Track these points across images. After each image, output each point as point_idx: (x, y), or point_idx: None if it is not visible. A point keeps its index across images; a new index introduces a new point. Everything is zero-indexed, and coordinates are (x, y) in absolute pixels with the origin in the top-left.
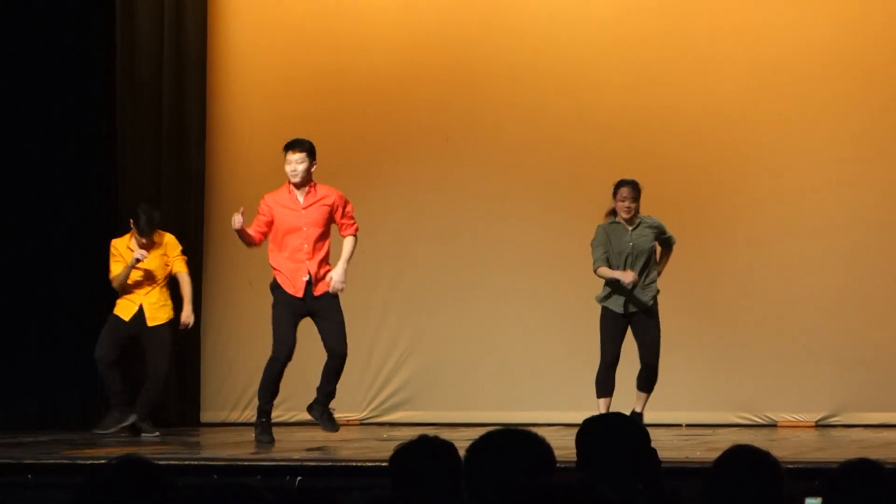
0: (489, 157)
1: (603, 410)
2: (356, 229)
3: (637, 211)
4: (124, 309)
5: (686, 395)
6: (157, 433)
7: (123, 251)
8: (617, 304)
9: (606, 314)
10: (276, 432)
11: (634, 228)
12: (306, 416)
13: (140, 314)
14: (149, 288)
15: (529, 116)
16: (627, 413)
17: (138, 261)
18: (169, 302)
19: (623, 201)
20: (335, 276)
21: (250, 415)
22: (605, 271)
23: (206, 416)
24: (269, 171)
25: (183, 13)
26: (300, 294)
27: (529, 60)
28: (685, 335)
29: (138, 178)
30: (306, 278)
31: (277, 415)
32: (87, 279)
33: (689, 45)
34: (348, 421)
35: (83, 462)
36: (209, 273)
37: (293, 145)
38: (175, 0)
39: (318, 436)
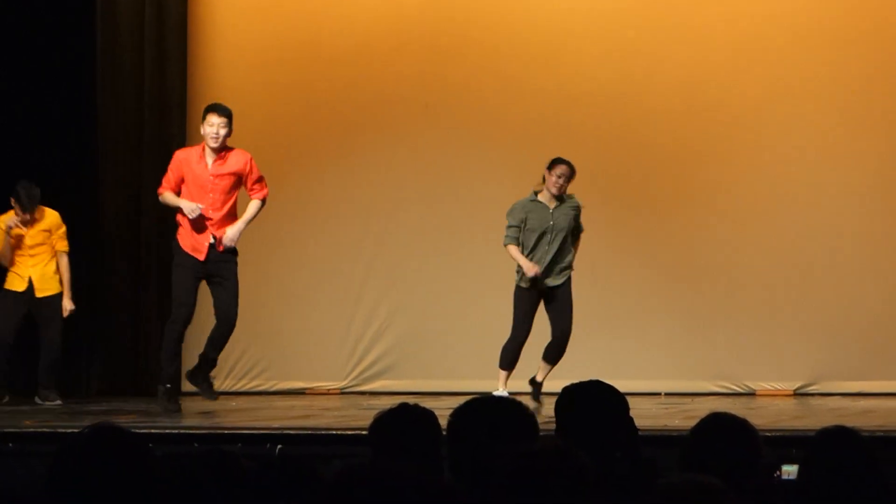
0: (468, 125)
1: (503, 383)
2: (265, 194)
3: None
4: (15, 281)
5: (665, 364)
6: (58, 401)
7: (2, 227)
8: (529, 281)
9: (520, 293)
10: (256, 401)
11: (558, 206)
12: (287, 385)
13: (30, 286)
14: (35, 261)
15: (509, 85)
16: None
17: (11, 228)
18: (57, 276)
19: (560, 178)
20: (229, 232)
21: (231, 384)
22: (515, 252)
23: (186, 386)
24: (250, 137)
25: None
26: (202, 256)
27: (509, 29)
28: (664, 304)
29: (119, 144)
30: (210, 241)
31: (258, 384)
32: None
33: (669, 14)
34: (329, 390)
35: (64, 430)
36: None
37: (218, 109)
38: None
39: (297, 404)
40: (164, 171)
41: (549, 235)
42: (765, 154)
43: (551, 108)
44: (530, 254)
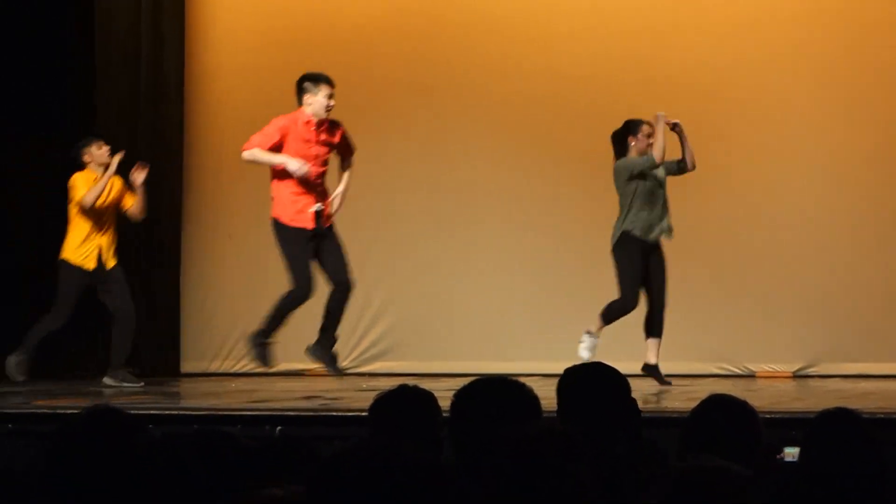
0: (465, 108)
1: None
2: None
3: None
4: (85, 256)
5: (665, 346)
6: (141, 383)
7: (89, 182)
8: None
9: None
10: (255, 382)
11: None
12: (286, 366)
13: (99, 259)
14: (104, 231)
15: (505, 67)
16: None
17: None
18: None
19: (649, 136)
20: (336, 203)
21: (231, 364)
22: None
23: (186, 367)
24: (248, 119)
25: None
26: (311, 224)
27: (505, 10)
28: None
29: (116, 127)
30: (316, 209)
31: (257, 364)
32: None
33: None
34: (328, 371)
35: (62, 411)
36: (188, 223)
37: (331, 80)
38: None
39: (297, 386)
40: (160, 153)
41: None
42: (763, 136)
43: (549, 89)
44: (647, 212)
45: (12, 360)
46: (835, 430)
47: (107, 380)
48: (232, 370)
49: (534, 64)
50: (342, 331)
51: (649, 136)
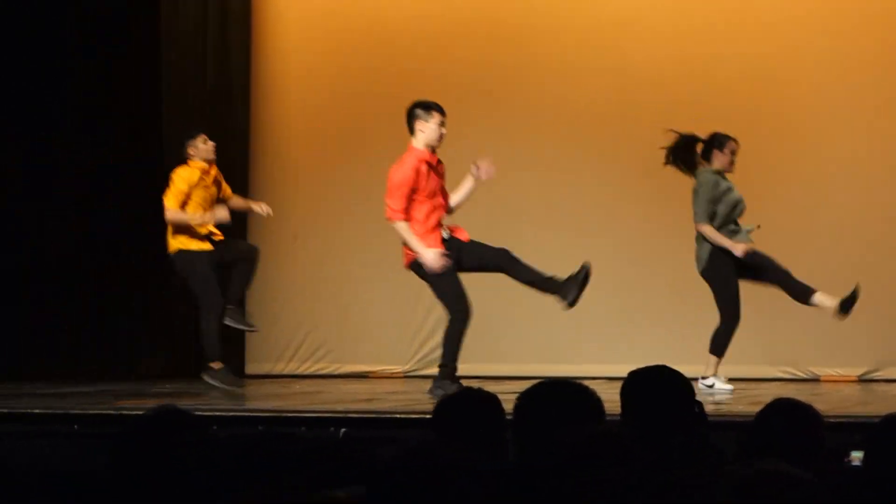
0: (531, 112)
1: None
2: None
3: None
4: (201, 240)
5: (729, 350)
6: (243, 385)
7: (187, 180)
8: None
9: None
10: (319, 384)
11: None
12: (350, 368)
13: (211, 238)
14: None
15: (571, 70)
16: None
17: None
18: None
19: (733, 154)
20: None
21: (295, 366)
22: (714, 235)
23: (250, 368)
24: (312, 125)
25: None
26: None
27: (571, 14)
28: None
29: (183, 133)
30: (445, 235)
31: (322, 367)
32: (130, 232)
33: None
34: (392, 373)
35: (128, 413)
36: (254, 227)
37: (443, 109)
38: None
39: (361, 388)
40: (226, 158)
41: (739, 212)
42: (832, 132)
43: (614, 92)
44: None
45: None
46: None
47: (206, 377)
48: (296, 372)
49: (602, 67)
50: (405, 332)
51: (734, 153)
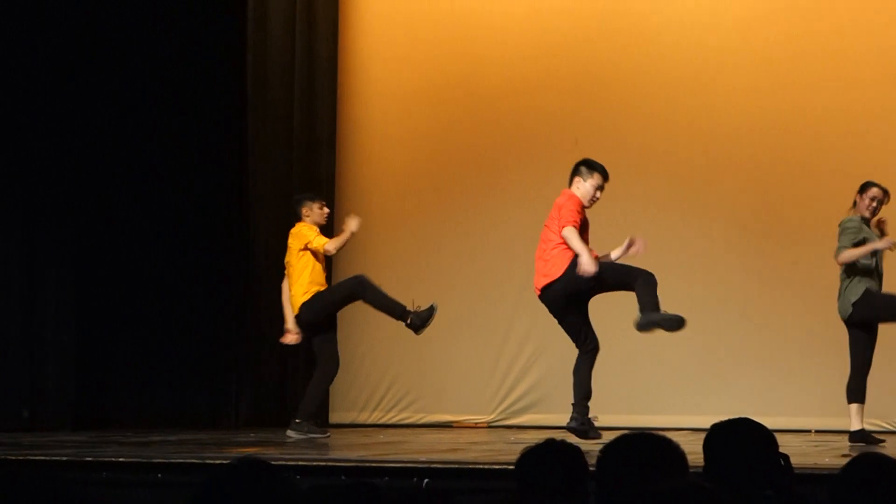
0: (618, 160)
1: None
2: None
3: None
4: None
5: (816, 401)
6: (327, 434)
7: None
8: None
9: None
10: (403, 434)
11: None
12: (434, 418)
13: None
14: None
15: (657, 120)
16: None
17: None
18: None
19: (873, 201)
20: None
21: (379, 416)
22: (853, 252)
23: (334, 417)
24: (397, 172)
25: (314, 16)
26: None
27: (657, 65)
28: (816, 340)
29: (269, 180)
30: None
31: (406, 416)
32: (216, 280)
33: (816, 47)
34: (476, 423)
35: (210, 461)
36: (338, 274)
37: (606, 174)
38: (306, 3)
39: (445, 437)
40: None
41: (878, 258)
42: None
43: (701, 143)
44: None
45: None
46: None
47: (290, 432)
48: (380, 421)
49: (688, 118)
50: (489, 382)
51: (873, 199)
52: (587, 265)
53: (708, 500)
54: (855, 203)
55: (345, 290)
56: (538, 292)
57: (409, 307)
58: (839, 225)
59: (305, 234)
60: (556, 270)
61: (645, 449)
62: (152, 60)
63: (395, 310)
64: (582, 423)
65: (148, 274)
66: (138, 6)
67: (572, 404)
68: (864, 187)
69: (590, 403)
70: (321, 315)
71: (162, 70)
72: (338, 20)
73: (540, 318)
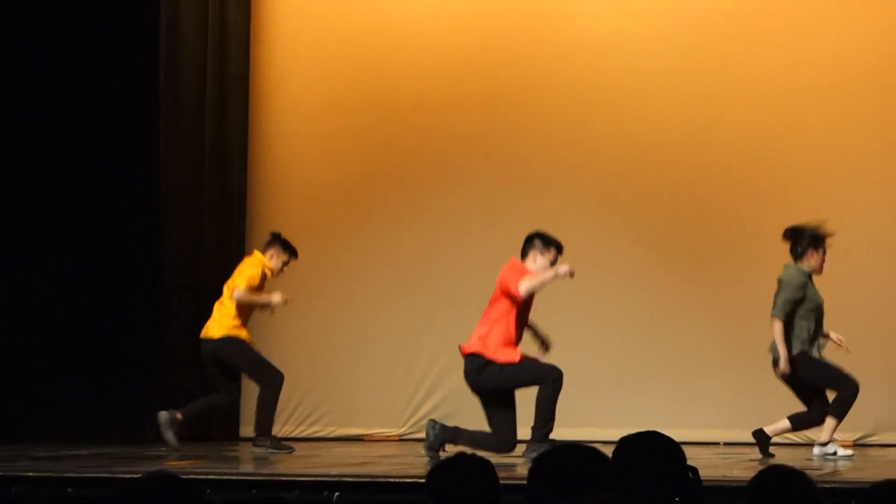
0: (528, 174)
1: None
2: None
3: None
4: (245, 332)
5: (724, 413)
6: (291, 449)
7: (255, 275)
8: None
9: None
10: (314, 447)
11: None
12: (345, 431)
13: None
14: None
15: (567, 133)
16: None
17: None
18: None
19: (825, 253)
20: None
21: (290, 430)
22: (779, 334)
23: (245, 431)
24: (309, 187)
25: (226, 31)
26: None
27: (566, 81)
28: (723, 352)
29: (181, 195)
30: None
31: (317, 430)
32: (129, 294)
33: (728, 63)
34: (387, 437)
35: (123, 476)
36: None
37: (562, 248)
38: (218, 17)
39: (356, 451)
40: (224, 218)
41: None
42: (828, 197)
43: (611, 155)
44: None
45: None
46: (889, 500)
47: (255, 448)
48: (291, 435)
49: (598, 130)
50: (400, 396)
51: (824, 253)
52: (563, 271)
53: None
54: (802, 254)
55: (257, 373)
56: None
57: None
58: (780, 278)
59: (243, 270)
60: (497, 354)
61: (574, 461)
62: (61, 74)
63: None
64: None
65: (59, 287)
66: (51, 16)
67: None
68: (819, 240)
69: None
70: (228, 364)
71: (72, 85)
72: (249, 34)
73: (449, 332)
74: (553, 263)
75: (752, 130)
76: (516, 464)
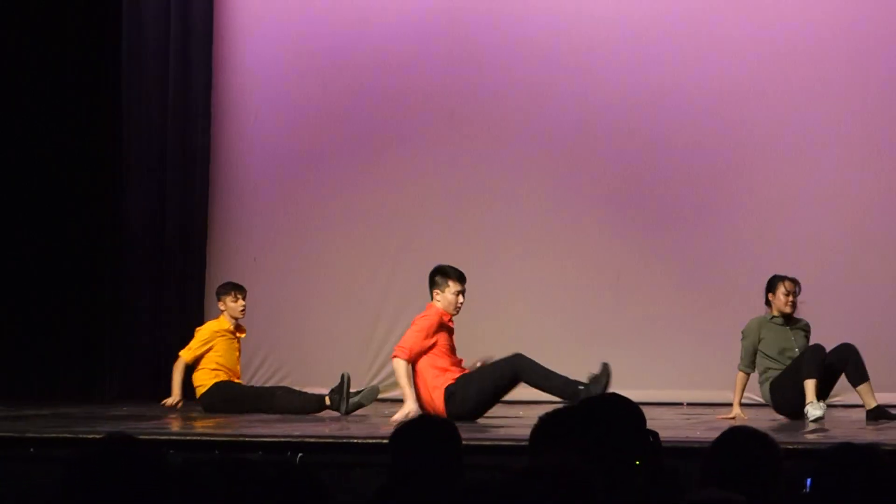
0: (494, 133)
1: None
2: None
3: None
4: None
5: (687, 374)
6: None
7: (216, 333)
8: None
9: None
10: None
11: (793, 327)
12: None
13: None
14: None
15: (534, 91)
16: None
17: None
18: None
19: (787, 295)
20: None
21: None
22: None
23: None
24: (272, 146)
25: None
26: None
27: (533, 35)
28: (687, 314)
29: (143, 151)
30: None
31: None
32: (88, 252)
33: (699, 21)
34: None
35: (84, 436)
36: (213, 248)
37: (463, 277)
38: None
39: (319, 412)
40: (188, 179)
41: (790, 357)
42: (791, 165)
43: (577, 114)
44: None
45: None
46: (846, 463)
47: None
48: None
49: (565, 88)
50: (364, 355)
51: (788, 294)
52: (403, 415)
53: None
54: (768, 301)
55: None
56: None
57: None
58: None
59: (199, 334)
60: (440, 382)
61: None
62: (22, 30)
63: None
64: None
65: (17, 246)
66: None
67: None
68: (775, 284)
69: None
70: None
71: (33, 41)
72: None
73: (412, 291)
74: (458, 294)
75: (713, 92)
76: (487, 426)
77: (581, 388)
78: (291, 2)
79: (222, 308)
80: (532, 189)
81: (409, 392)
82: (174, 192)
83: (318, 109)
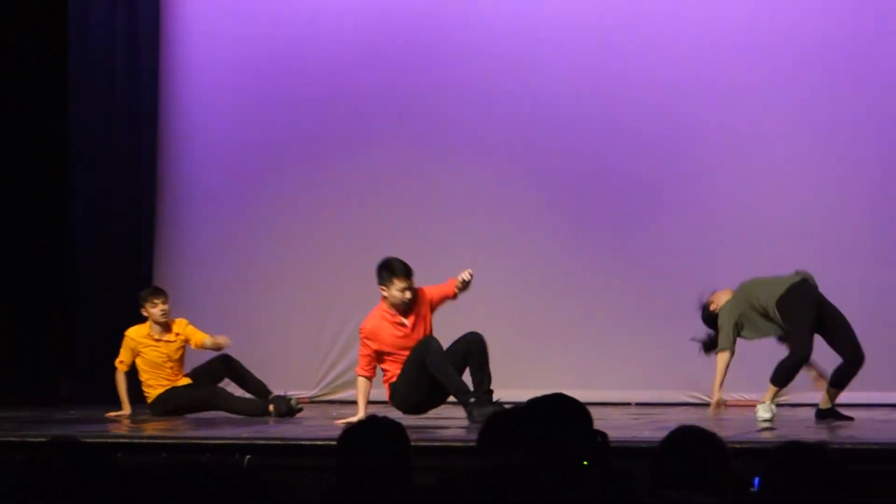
0: (442, 135)
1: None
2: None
3: None
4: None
5: (636, 374)
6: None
7: (138, 342)
8: None
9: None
10: None
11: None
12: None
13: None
14: (178, 377)
15: (483, 93)
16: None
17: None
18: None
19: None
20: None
21: None
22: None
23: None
24: (221, 149)
25: None
26: None
27: (481, 37)
28: (636, 314)
29: (91, 156)
30: None
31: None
32: (36, 254)
33: (648, 20)
34: (299, 399)
35: (32, 440)
36: (161, 253)
37: (407, 272)
38: None
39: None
40: (135, 180)
41: None
42: (745, 165)
43: (526, 115)
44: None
45: None
46: (794, 463)
47: None
48: None
49: (513, 90)
50: (312, 358)
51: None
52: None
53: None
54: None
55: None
56: None
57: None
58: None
59: (123, 342)
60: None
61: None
62: None
63: None
64: None
65: None
66: None
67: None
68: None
69: None
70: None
71: None
72: None
73: (362, 292)
74: (404, 291)
75: (666, 82)
76: (433, 427)
77: (471, 401)
78: (243, 4)
79: (145, 314)
80: (481, 191)
81: (360, 406)
82: (120, 198)
83: (264, 115)
